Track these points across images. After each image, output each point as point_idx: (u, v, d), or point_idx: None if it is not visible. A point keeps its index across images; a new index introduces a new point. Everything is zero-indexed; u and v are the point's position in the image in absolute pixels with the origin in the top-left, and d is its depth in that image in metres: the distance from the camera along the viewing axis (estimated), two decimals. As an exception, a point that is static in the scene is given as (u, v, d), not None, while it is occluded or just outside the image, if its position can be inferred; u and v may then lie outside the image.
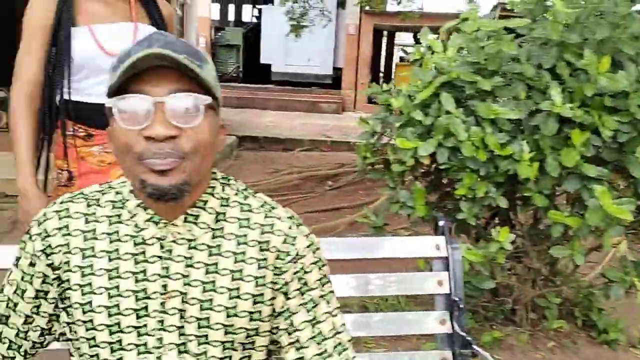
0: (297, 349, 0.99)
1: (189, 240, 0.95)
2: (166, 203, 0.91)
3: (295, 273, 0.98)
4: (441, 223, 1.70)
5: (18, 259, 1.01)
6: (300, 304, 0.99)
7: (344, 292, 1.55)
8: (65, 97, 1.65)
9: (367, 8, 12.25)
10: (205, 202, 0.97)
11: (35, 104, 1.66)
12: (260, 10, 16.67)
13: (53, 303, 0.99)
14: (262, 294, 0.96)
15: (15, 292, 1.01)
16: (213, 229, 0.97)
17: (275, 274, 0.97)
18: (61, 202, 1.00)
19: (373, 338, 2.60)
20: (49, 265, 0.97)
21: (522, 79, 2.26)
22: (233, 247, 0.96)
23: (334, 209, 5.17)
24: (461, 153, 2.19)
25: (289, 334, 0.99)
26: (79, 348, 0.96)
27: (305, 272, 0.99)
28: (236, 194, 1.01)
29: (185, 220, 0.95)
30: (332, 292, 1.03)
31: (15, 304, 1.00)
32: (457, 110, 2.21)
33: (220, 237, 0.97)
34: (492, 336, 2.65)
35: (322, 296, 1.01)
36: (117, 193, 1.00)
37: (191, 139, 0.88)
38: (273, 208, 1.02)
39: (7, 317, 1.01)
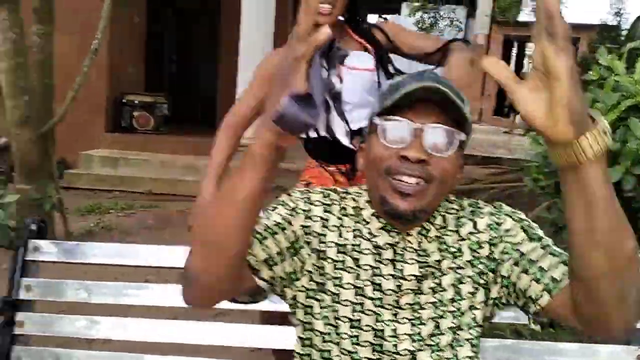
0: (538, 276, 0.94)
1: (417, 250, 1.02)
2: (400, 224, 1.00)
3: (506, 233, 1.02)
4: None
5: (274, 208, 1.02)
6: (530, 248, 0.98)
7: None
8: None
9: (498, 18, 11.97)
10: (436, 218, 1.05)
11: (238, 134, 1.93)
12: (385, 20, 16.66)
13: (292, 266, 0.99)
14: (484, 277, 1.02)
15: (266, 229, 0.97)
16: (438, 237, 1.04)
17: (490, 245, 1.02)
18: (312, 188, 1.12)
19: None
20: (303, 226, 1.01)
21: None
22: (452, 242, 1.04)
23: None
24: (651, 181, 2.08)
25: (525, 272, 0.96)
26: (310, 321, 1.02)
27: (511, 232, 1.02)
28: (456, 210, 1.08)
29: (419, 233, 1.03)
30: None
31: (264, 238, 0.96)
32: (647, 137, 2.11)
33: (443, 235, 1.04)
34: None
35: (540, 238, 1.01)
36: (354, 200, 1.08)
37: (439, 166, 0.96)
38: (477, 204, 1.09)
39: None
